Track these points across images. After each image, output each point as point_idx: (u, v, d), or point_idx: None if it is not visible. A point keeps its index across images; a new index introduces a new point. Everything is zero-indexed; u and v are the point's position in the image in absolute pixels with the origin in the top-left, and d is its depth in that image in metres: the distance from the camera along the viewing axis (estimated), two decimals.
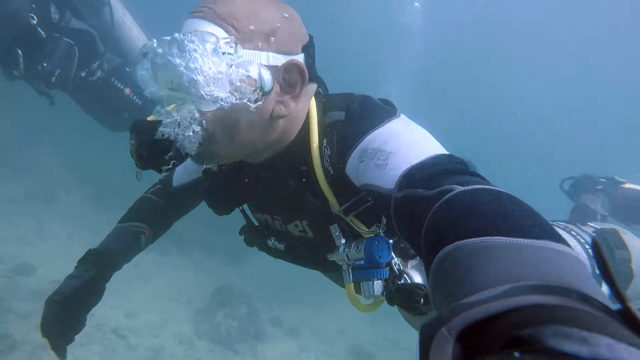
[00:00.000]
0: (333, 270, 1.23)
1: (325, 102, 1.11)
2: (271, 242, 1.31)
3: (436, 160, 0.80)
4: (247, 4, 0.95)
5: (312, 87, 1.08)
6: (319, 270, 1.39)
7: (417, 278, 1.18)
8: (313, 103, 1.09)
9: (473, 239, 0.53)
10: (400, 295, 1.06)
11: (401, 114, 1.03)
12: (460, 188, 0.65)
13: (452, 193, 0.65)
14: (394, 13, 11.95)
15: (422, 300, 1.02)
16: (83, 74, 2.93)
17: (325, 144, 1.04)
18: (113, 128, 3.53)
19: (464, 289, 0.47)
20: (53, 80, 2.79)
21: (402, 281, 1.12)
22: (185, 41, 0.86)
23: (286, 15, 0.98)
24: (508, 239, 0.51)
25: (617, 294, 0.31)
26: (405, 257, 1.21)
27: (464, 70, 15.89)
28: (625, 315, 0.31)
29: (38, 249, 4.89)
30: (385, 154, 0.87)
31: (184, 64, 0.85)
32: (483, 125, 17.96)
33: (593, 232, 1.94)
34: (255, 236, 1.37)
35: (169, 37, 0.89)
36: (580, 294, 0.35)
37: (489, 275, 0.46)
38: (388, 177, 0.83)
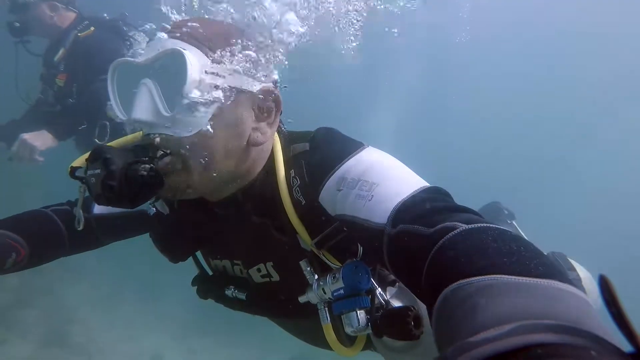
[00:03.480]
0: (303, 317, 1.17)
1: (286, 135, 1.11)
2: (230, 291, 1.22)
3: (427, 194, 0.81)
4: (221, 27, 0.96)
5: (277, 120, 1.04)
6: (285, 320, 1.35)
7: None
8: (276, 136, 1.08)
9: (478, 277, 0.53)
10: (390, 321, 0.97)
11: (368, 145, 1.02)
12: (463, 226, 0.65)
13: (455, 231, 0.65)
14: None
15: (412, 322, 0.94)
16: None
17: (293, 174, 1.02)
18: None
19: (469, 327, 0.47)
20: None
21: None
22: (168, 61, 0.86)
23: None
24: (513, 277, 0.51)
25: (628, 333, 0.30)
26: (384, 284, 1.14)
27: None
28: (636, 358, 0.30)
29: (150, 340, 6.00)
30: (368, 184, 0.87)
31: (167, 85, 0.85)
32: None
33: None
34: (210, 286, 1.29)
35: (144, 59, 0.88)
36: (586, 332, 0.35)
37: (495, 314, 0.46)
38: (376, 210, 0.82)
